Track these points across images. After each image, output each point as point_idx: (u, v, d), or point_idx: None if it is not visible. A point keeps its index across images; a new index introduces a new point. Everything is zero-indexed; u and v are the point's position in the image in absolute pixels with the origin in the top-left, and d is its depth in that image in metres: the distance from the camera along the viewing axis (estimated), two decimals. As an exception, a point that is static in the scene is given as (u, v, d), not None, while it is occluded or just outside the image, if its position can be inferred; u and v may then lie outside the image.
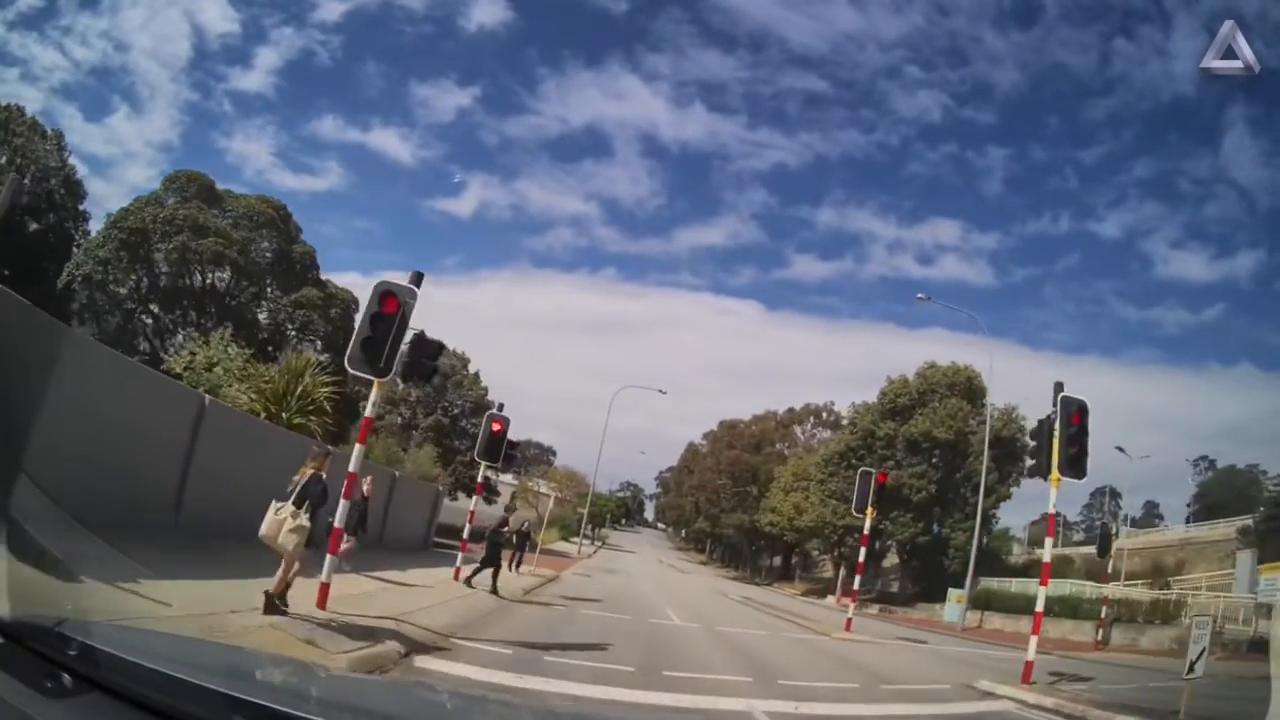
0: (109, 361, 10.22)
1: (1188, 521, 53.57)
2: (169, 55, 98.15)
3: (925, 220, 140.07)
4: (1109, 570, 29.54)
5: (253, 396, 17.75)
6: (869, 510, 18.37)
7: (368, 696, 2.93)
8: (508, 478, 53.75)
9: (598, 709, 6.46)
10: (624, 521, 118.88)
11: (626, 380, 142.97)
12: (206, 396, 12.37)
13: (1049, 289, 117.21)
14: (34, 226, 35.64)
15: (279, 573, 7.56)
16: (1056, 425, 10.96)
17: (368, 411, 8.52)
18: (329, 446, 8.31)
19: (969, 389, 42.08)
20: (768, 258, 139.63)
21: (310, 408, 17.80)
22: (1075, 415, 11.17)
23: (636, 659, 9.39)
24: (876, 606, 37.81)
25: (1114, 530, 36.05)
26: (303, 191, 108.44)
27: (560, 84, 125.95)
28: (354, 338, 8.26)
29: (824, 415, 66.85)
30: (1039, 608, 11.77)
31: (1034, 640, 11.31)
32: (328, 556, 8.16)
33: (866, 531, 19.69)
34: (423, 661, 7.18)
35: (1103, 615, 25.26)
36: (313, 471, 7.70)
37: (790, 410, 71.09)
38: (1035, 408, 38.56)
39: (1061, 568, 34.30)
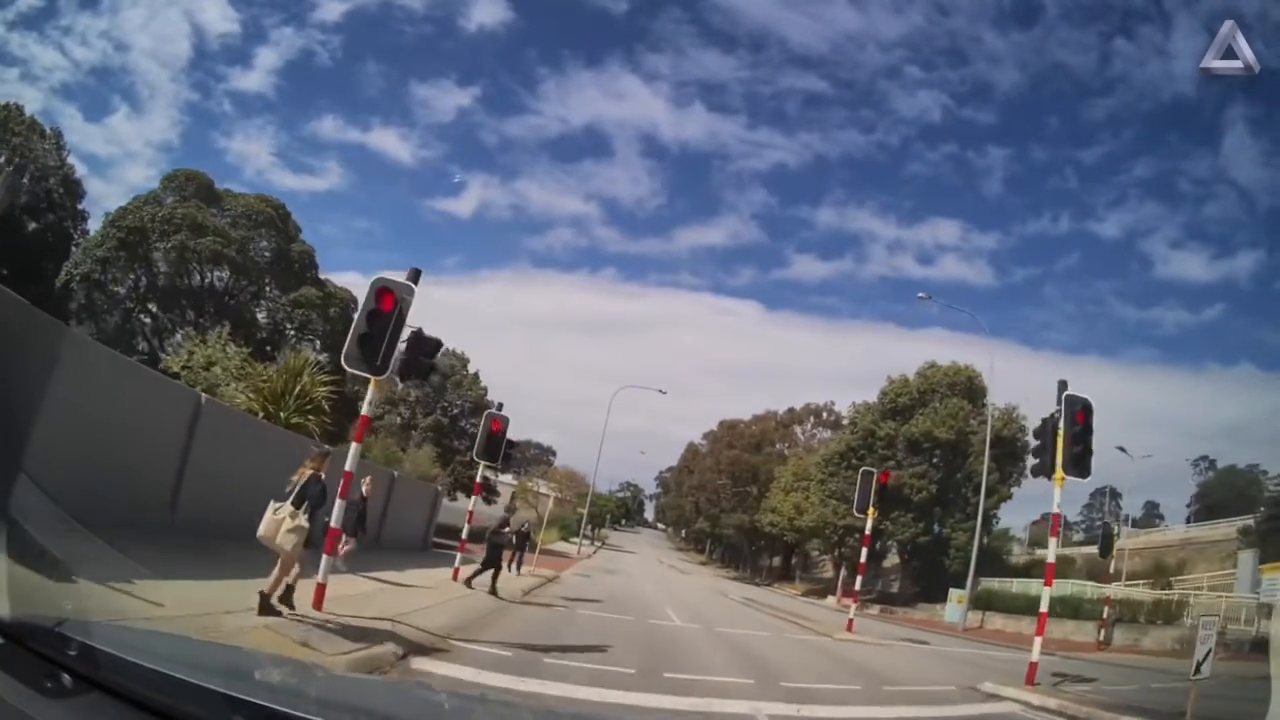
0: (105, 360, 10.13)
1: (1188, 521, 53.53)
2: (169, 55, 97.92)
3: (925, 220, 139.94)
4: (1111, 570, 29.47)
5: (250, 396, 17.65)
6: (871, 510, 18.27)
7: (367, 697, 2.92)
8: (507, 478, 53.73)
9: (598, 710, 6.38)
10: (624, 522, 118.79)
11: (626, 380, 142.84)
12: (202, 395, 12.26)
13: (1049, 289, 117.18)
14: (32, 225, 35.59)
15: (274, 573, 7.46)
16: (1061, 424, 10.85)
17: (364, 410, 8.43)
18: (328, 447, 8.20)
19: (970, 389, 41.99)
20: (768, 258, 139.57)
21: (308, 407, 17.70)
22: (1080, 414, 11.06)
23: (637, 661, 9.27)
24: (877, 607, 37.70)
25: (1115, 530, 35.92)
26: (303, 191, 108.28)
27: (560, 84, 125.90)
28: (350, 335, 8.15)
29: (824, 415, 66.78)
30: (1043, 608, 11.66)
31: (1038, 641, 11.20)
32: (324, 557, 8.05)
33: (868, 531, 19.57)
34: (419, 663, 7.07)
35: (1105, 615, 25.17)
36: (312, 472, 7.62)
37: (790, 410, 71.04)
38: (1035, 408, 38.60)
39: (1063, 568, 34.15)
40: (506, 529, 15.39)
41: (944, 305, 68.43)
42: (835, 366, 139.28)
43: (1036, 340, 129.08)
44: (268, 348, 32.83)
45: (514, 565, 19.70)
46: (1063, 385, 11.32)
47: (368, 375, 8.10)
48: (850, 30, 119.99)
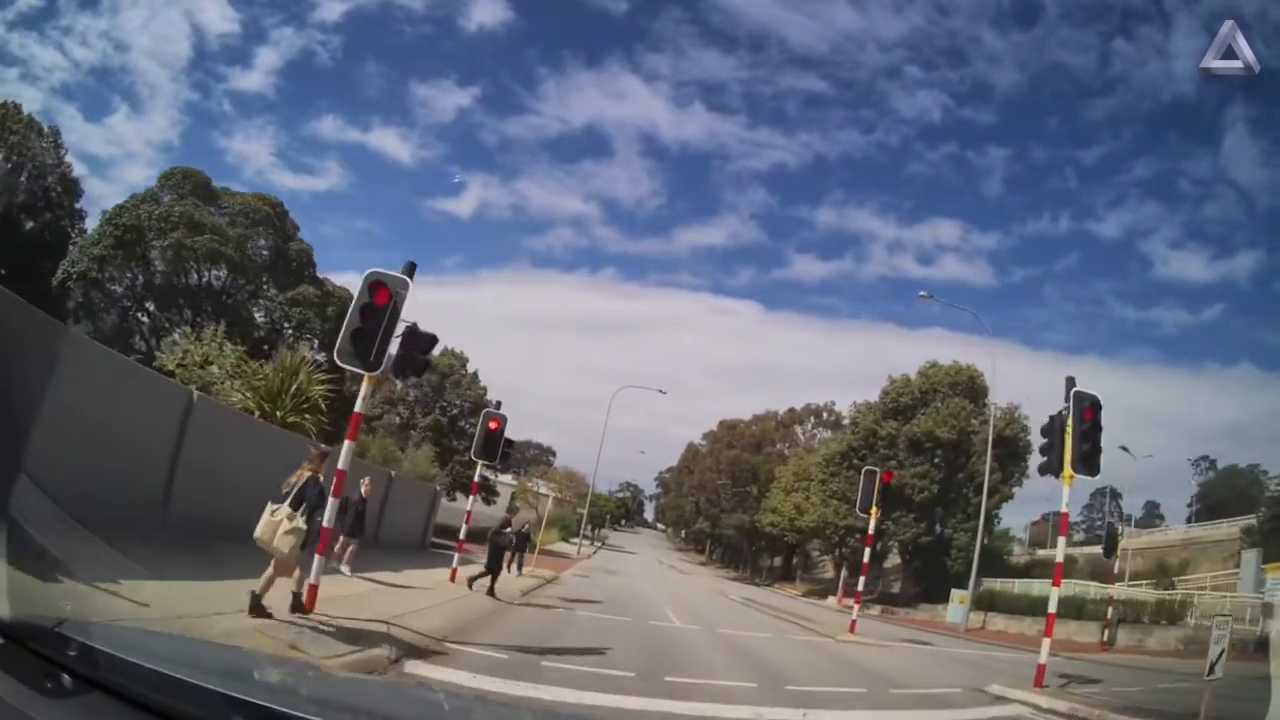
0: (98, 358, 9.97)
1: (1189, 521, 53.36)
2: (169, 55, 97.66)
3: (925, 220, 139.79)
4: (1115, 570, 29.26)
5: (246, 394, 17.44)
6: (874, 510, 18.07)
7: (366, 697, 2.91)
8: (507, 478, 53.50)
9: (598, 713, 6.23)
10: (624, 522, 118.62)
11: (626, 380, 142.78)
12: (195, 392, 12.04)
13: (1049, 289, 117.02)
14: (30, 224, 35.39)
15: (266, 573, 7.27)
16: (1069, 421, 10.65)
17: (358, 407, 8.22)
18: (326, 447, 8.01)
19: (971, 388, 41.81)
20: (767, 258, 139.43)
21: (305, 406, 17.49)
22: (1088, 411, 10.87)
23: (637, 663, 9.07)
24: (878, 607, 37.50)
25: (1119, 530, 35.72)
26: (303, 191, 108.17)
27: (560, 84, 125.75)
28: (343, 330, 7.96)
29: (824, 415, 66.60)
30: (1052, 609, 11.45)
31: (1046, 643, 11.02)
32: (316, 557, 7.85)
33: (871, 531, 19.38)
34: (413, 667, 6.87)
35: (1109, 616, 24.99)
36: (310, 474, 7.45)
37: (791, 410, 70.86)
38: (1036, 407, 38.47)
39: (1066, 568, 33.97)
40: (508, 530, 15.18)
41: (946, 304, 68.30)
42: (835, 366, 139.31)
43: (1036, 340, 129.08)
44: (265, 346, 32.57)
45: (514, 566, 19.50)
46: (1070, 382, 11.12)
47: (361, 371, 7.92)
48: (850, 30, 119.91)
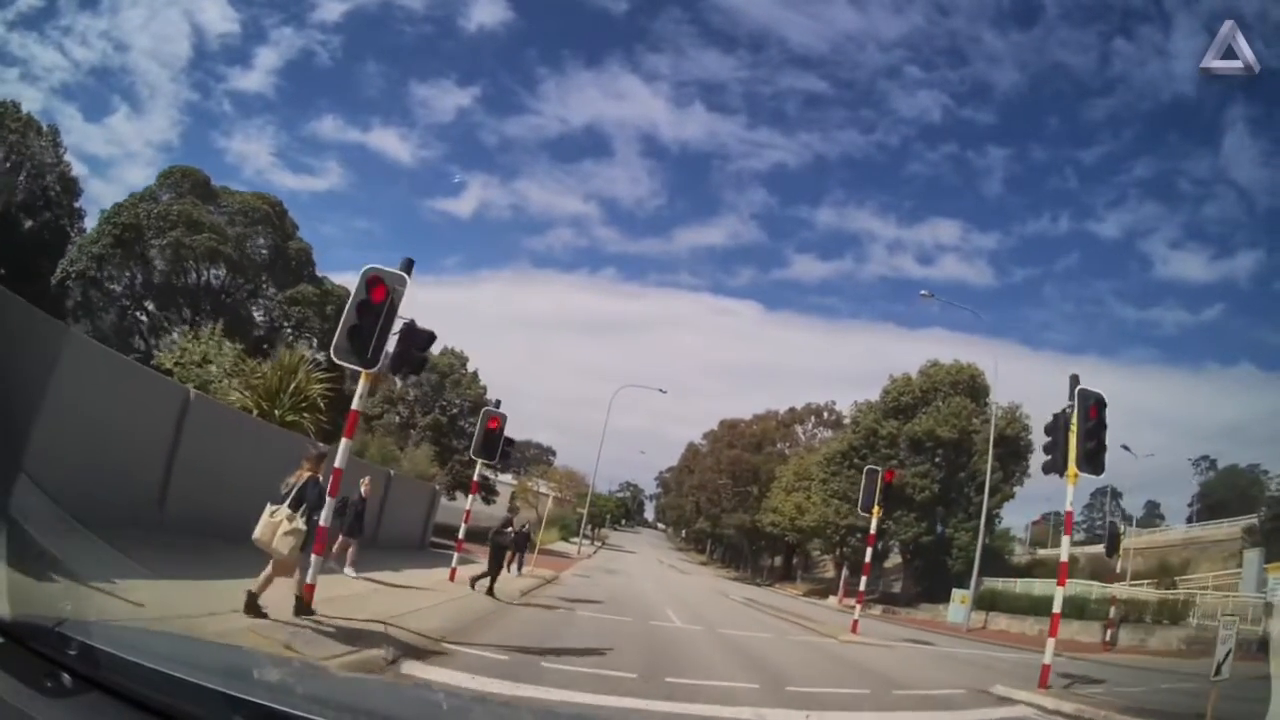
0: (95, 357, 9.93)
1: (1189, 521, 53.28)
2: (169, 55, 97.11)
3: (925, 220, 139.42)
4: (1117, 570, 29.15)
5: (244, 393, 17.35)
6: (875, 509, 17.95)
7: (367, 696, 2.89)
8: (507, 477, 53.40)
9: (599, 713, 6.16)
10: (624, 522, 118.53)
11: (626, 380, 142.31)
12: (191, 390, 11.94)
13: (1049, 289, 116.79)
14: (29, 223, 35.29)
15: (264, 573, 7.18)
16: (1074, 419, 10.55)
17: (355, 404, 8.12)
18: (325, 447, 7.91)
19: (972, 387, 41.69)
20: (767, 258, 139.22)
21: (304, 405, 17.41)
22: (1093, 409, 10.78)
23: (638, 664, 8.96)
24: (879, 607, 37.40)
25: (1121, 530, 35.63)
26: (303, 191, 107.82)
27: (560, 84, 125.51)
28: (340, 327, 7.85)
29: (825, 415, 66.46)
30: (1057, 609, 11.33)
31: (1051, 643, 10.91)
32: (313, 557, 7.76)
33: (873, 530, 19.28)
34: (410, 668, 6.75)
35: (1111, 616, 24.89)
36: (309, 474, 7.35)
37: (791, 410, 70.71)
38: (1036, 407, 38.40)
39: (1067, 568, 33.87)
40: (509, 529, 15.08)
41: (947, 303, 68.11)
42: (835, 366, 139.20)
43: (1036, 340, 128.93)
44: (264, 346, 32.47)
45: (514, 566, 19.41)
46: (1075, 380, 11.02)
47: (358, 369, 7.82)
48: (850, 30, 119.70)
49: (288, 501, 7.11)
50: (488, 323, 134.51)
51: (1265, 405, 75.32)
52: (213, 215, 35.13)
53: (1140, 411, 76.22)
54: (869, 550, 20.08)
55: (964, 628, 28.82)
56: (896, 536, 40.40)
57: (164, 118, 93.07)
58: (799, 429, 69.45)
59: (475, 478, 18.22)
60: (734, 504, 65.77)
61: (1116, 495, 62.92)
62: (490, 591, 13.86)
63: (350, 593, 10.74)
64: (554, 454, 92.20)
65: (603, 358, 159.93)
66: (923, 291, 38.03)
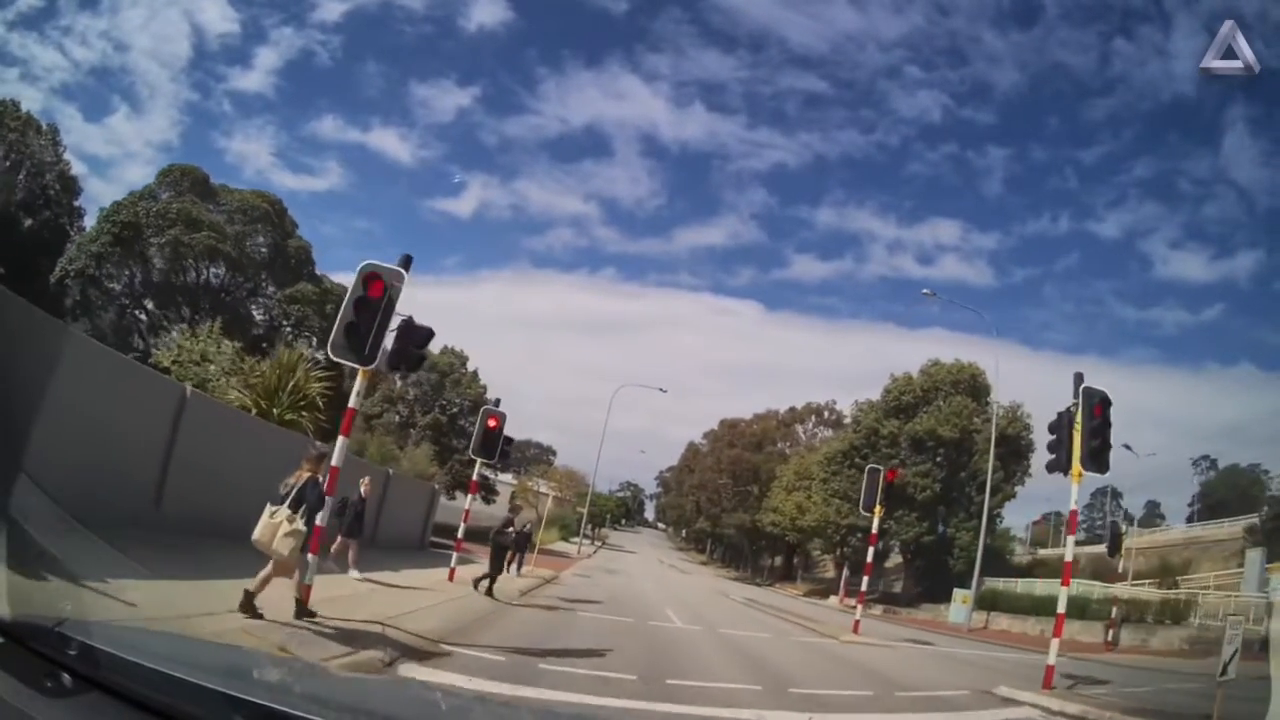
0: (93, 355, 9.89)
1: (1189, 521, 53.21)
2: (169, 55, 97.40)
3: (925, 220, 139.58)
4: (1119, 569, 29.03)
5: (243, 391, 17.26)
6: (877, 508, 17.85)
7: (367, 696, 2.89)
8: (507, 477, 53.31)
9: (599, 713, 6.08)
10: (624, 521, 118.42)
11: (626, 380, 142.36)
12: (188, 388, 11.84)
13: (1049, 289, 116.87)
14: (29, 222, 35.18)
15: (263, 573, 7.09)
16: (1079, 417, 10.45)
17: (352, 401, 8.00)
18: (326, 447, 7.80)
19: (973, 387, 41.57)
20: (767, 258, 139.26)
21: (302, 403, 17.31)
22: (1098, 407, 10.68)
23: (638, 666, 8.85)
24: (880, 607, 37.30)
25: (1123, 529, 35.53)
26: (303, 191, 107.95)
27: (560, 84, 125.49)
28: (337, 323, 7.75)
29: (826, 414, 66.35)
30: (1061, 609, 11.21)
31: (1055, 643, 10.81)
32: (310, 557, 7.65)
33: (875, 530, 19.17)
34: (407, 669, 6.65)
35: (1113, 616, 24.78)
36: (310, 474, 7.24)
37: (792, 409, 70.60)
38: (1035, 407, 38.28)
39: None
40: (510, 529, 14.97)
41: (949, 302, 68.07)
42: (835, 366, 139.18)
43: (1036, 340, 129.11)
44: (264, 345, 32.37)
45: (513, 566, 19.32)
46: (1079, 378, 10.92)
47: (355, 365, 7.71)
48: (850, 30, 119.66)
49: (287, 502, 7.01)
50: (487, 323, 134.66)
51: (1265, 405, 75.38)
52: (212, 213, 35.02)
53: (1140, 411, 76.22)
54: (871, 550, 20.00)
55: (965, 628, 28.72)
56: (897, 536, 40.32)
57: (164, 118, 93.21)
58: (799, 428, 69.37)
59: (474, 477, 18.11)
60: (734, 503, 65.67)
61: (1117, 495, 62.91)
62: (489, 592, 13.76)
63: (348, 593, 10.64)
64: (554, 454, 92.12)
65: (602, 358, 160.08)
66: (925, 290, 38.09)
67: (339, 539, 13.24)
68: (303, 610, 7.43)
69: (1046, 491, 52.78)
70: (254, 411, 15.94)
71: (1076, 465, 10.47)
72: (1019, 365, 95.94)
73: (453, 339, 51.58)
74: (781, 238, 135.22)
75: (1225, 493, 53.69)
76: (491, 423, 15.55)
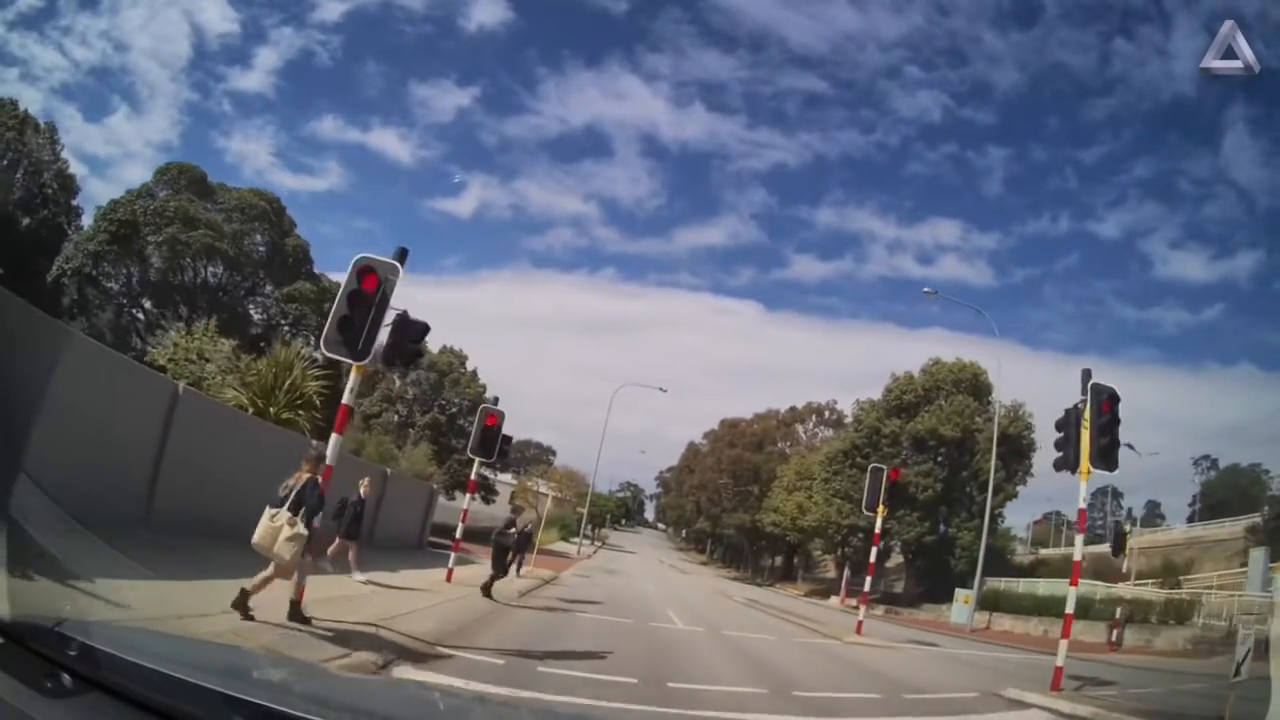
0: (90, 354, 9.77)
1: (1190, 521, 53.07)
2: (169, 55, 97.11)
3: (925, 220, 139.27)
4: (1123, 569, 28.84)
5: (239, 390, 17.07)
6: (880, 508, 17.66)
7: (366, 696, 2.89)
8: (506, 477, 53.12)
9: (600, 713, 5.95)
10: (624, 521, 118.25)
11: (626, 380, 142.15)
12: (181, 385, 11.64)
13: (1049, 289, 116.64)
14: (26, 221, 34.96)
15: (262, 574, 6.93)
16: (1087, 414, 10.26)
17: (345, 398, 7.80)
18: (325, 448, 7.62)
19: (975, 386, 41.39)
20: (767, 258, 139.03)
21: (299, 402, 17.12)
22: (1105, 403, 10.52)
23: (639, 669, 8.65)
24: (881, 608, 37.11)
25: (1126, 529, 35.35)
26: (302, 191, 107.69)
27: (560, 84, 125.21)
28: (330, 317, 7.55)
29: (826, 414, 66.19)
30: (1069, 609, 10.99)
31: (1064, 644, 10.62)
32: (306, 557, 7.47)
33: (878, 530, 18.98)
34: (403, 671, 6.47)
35: (1117, 616, 24.60)
36: (309, 475, 7.07)
37: (792, 409, 70.45)
38: (1036, 407, 38.14)
39: (1069, 568, 33.58)
40: (512, 530, 14.77)
41: (949, 301, 67.74)
42: (835, 366, 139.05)
43: (1036, 340, 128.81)
44: (261, 343, 32.20)
45: (513, 566, 19.13)
46: (1087, 374, 10.76)
47: (349, 361, 7.53)
48: (850, 30, 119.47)
49: (287, 505, 6.84)
50: (487, 322, 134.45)
51: (1265, 405, 75.12)
52: (209, 212, 34.84)
53: (1140, 411, 75.68)
54: (873, 550, 19.80)
55: (967, 628, 28.55)
56: (899, 536, 40.12)
57: (164, 117, 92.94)
58: (800, 428, 69.21)
59: (473, 476, 17.92)
60: (735, 504, 65.48)
61: (1118, 495, 62.77)
62: (488, 593, 13.56)
63: (344, 594, 10.47)
64: (554, 454, 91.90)
65: (602, 358, 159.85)
66: (926, 289, 37.88)
67: (336, 540, 13.06)
68: (296, 613, 7.25)
69: (1047, 491, 52.73)
70: (250, 410, 15.75)
71: (1085, 463, 10.29)
72: (1019, 365, 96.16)
73: (452, 339, 51.50)
74: (781, 238, 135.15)
75: (1226, 493, 53.52)
76: (490, 421, 15.35)
